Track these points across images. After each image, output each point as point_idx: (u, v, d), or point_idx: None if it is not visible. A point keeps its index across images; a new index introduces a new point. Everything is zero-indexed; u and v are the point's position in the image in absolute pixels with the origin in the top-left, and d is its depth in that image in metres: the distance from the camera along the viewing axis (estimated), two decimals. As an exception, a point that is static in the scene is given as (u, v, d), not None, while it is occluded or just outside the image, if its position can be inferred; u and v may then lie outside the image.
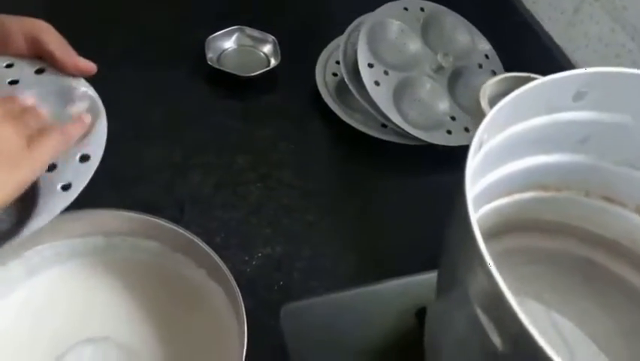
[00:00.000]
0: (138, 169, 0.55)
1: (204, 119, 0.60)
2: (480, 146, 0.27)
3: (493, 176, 0.33)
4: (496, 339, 0.22)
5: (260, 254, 0.51)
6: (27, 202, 0.32)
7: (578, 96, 0.31)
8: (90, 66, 0.38)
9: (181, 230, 0.42)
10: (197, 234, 0.42)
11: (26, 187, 0.30)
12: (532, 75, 0.37)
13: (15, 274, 0.40)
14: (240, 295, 0.39)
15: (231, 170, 0.57)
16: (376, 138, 0.59)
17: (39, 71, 0.37)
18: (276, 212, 0.54)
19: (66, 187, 0.33)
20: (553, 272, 0.38)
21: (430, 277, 0.43)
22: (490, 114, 0.27)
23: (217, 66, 0.63)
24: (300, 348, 0.39)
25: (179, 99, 0.62)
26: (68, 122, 0.34)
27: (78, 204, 0.40)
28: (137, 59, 0.64)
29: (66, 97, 0.36)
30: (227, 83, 0.63)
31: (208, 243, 0.42)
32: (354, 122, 0.60)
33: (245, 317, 0.38)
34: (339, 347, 0.39)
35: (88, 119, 0.36)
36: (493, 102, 0.34)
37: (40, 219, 0.32)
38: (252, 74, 0.62)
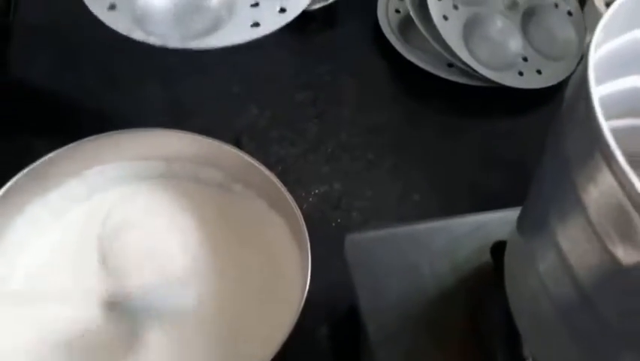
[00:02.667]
0: (196, 100, 0.53)
1: (261, 52, 0.58)
2: (597, 45, 0.24)
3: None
4: (619, 250, 0.20)
5: (317, 191, 0.49)
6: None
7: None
8: None
9: (244, 155, 0.40)
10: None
11: None
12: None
13: (76, 192, 0.39)
14: (304, 224, 0.38)
15: (289, 105, 0.54)
16: (441, 78, 0.56)
17: None
18: (335, 149, 0.52)
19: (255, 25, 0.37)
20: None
21: (503, 215, 0.41)
22: (611, 11, 0.24)
23: None
24: (365, 280, 0.37)
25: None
26: None
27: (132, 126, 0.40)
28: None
29: None
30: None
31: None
32: (417, 61, 0.56)
33: (309, 247, 0.37)
34: (407, 282, 0.37)
35: None
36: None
37: (221, 42, 0.36)
38: (311, 9, 0.59)
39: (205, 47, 0.36)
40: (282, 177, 0.49)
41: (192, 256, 0.40)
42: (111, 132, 0.38)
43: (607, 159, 0.19)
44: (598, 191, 0.21)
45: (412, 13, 0.55)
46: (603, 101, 0.30)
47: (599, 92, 0.30)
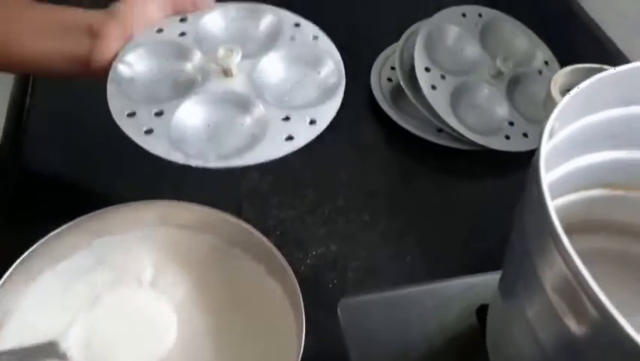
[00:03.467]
0: (200, 169, 0.56)
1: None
2: (551, 133, 0.26)
3: (560, 170, 0.32)
4: (572, 324, 0.22)
5: (314, 253, 0.52)
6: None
7: (654, 89, 0.30)
8: None
9: (244, 224, 0.43)
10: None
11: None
12: (605, 67, 0.36)
13: (82, 264, 0.42)
14: (299, 290, 0.40)
15: (288, 170, 0.57)
16: (432, 142, 0.59)
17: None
18: (331, 212, 0.55)
19: (289, 138, 0.39)
20: (622, 274, 0.37)
21: (489, 277, 0.43)
22: (564, 101, 0.27)
23: (275, 70, 0.64)
24: (357, 342, 0.39)
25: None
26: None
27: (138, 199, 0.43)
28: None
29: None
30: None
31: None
32: (409, 127, 0.60)
33: (303, 312, 0.39)
34: (398, 343, 0.39)
35: None
36: (562, 94, 0.34)
37: (258, 157, 0.37)
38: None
39: (245, 164, 0.37)
40: (280, 239, 0.52)
41: (190, 317, 0.42)
42: (116, 206, 0.41)
43: (555, 241, 0.22)
44: (551, 269, 0.23)
45: (402, 83, 0.59)
46: (569, 177, 0.33)
47: (565, 168, 0.33)
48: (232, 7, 0.46)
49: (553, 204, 0.23)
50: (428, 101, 0.57)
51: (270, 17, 0.46)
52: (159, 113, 0.39)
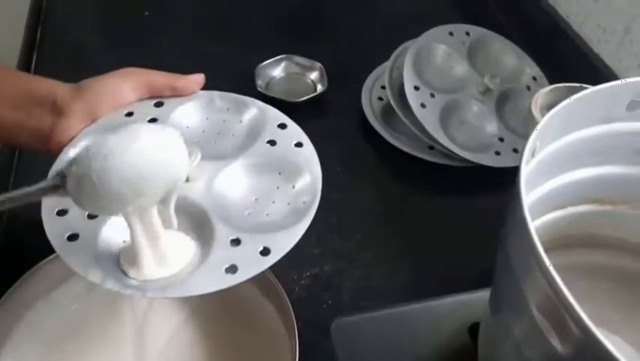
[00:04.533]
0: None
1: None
2: (533, 153, 0.27)
3: (545, 188, 0.33)
4: (556, 343, 0.22)
5: (308, 273, 0.52)
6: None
7: (632, 106, 0.31)
8: (199, 78, 0.41)
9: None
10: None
11: None
12: (585, 85, 0.36)
13: (76, 291, 0.42)
14: (292, 312, 0.40)
15: (280, 191, 0.58)
16: (423, 160, 0.59)
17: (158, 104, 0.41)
18: (325, 232, 0.55)
19: (231, 269, 0.32)
20: (610, 288, 0.37)
21: (481, 295, 0.43)
22: (544, 121, 0.27)
23: (266, 92, 0.65)
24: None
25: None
26: None
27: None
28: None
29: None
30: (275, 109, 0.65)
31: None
32: (400, 144, 0.60)
33: (297, 334, 0.39)
34: (391, 363, 0.39)
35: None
36: (543, 113, 0.34)
37: (185, 290, 0.31)
38: (300, 100, 0.64)
39: (167, 296, 0.32)
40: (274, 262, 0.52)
41: (187, 340, 0.42)
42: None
43: (537, 260, 0.22)
44: (534, 287, 0.23)
45: (392, 102, 0.59)
46: (555, 194, 0.34)
47: (550, 185, 0.33)
48: (217, 97, 0.42)
49: (534, 225, 0.23)
50: (418, 119, 0.57)
51: (254, 112, 0.41)
52: (93, 216, 0.33)
